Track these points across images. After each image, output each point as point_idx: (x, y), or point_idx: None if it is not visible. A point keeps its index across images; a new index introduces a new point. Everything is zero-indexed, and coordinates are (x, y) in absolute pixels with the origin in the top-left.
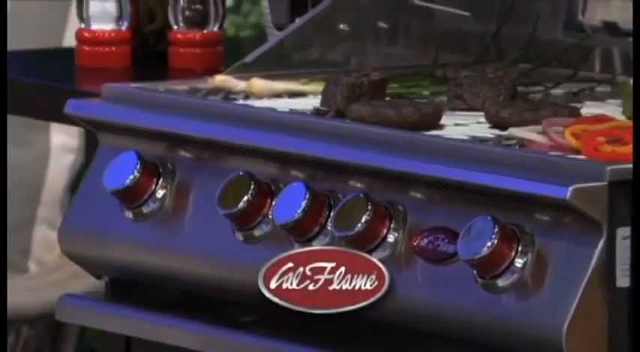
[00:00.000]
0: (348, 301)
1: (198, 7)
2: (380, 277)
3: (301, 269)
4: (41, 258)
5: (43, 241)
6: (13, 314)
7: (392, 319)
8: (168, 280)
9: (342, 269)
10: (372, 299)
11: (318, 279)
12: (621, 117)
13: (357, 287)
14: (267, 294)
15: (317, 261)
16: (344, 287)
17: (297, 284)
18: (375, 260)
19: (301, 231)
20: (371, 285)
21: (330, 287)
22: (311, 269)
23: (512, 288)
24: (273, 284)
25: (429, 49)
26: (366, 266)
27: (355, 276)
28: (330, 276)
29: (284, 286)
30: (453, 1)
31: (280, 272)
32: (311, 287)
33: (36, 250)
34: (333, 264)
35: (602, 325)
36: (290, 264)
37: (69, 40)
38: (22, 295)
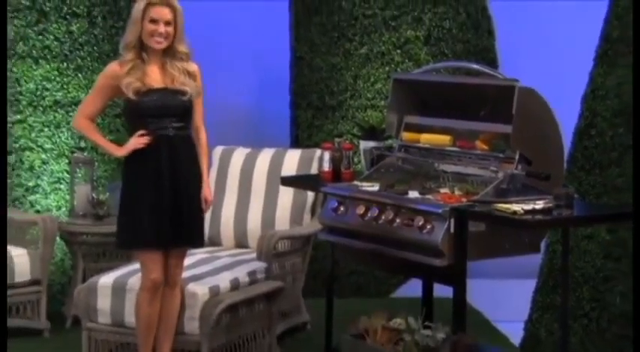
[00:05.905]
0: None
1: (347, 164)
2: None
3: None
4: (296, 222)
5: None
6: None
7: None
8: (352, 232)
9: None
10: None
11: None
12: (449, 193)
13: None
14: None
15: None
16: None
17: None
18: None
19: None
20: None
21: None
22: None
23: (425, 234)
24: None
25: (403, 179)
26: None
27: None
28: None
29: None
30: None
31: None
32: None
33: (289, 225)
34: None
35: (453, 242)
36: None
37: (313, 171)
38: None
